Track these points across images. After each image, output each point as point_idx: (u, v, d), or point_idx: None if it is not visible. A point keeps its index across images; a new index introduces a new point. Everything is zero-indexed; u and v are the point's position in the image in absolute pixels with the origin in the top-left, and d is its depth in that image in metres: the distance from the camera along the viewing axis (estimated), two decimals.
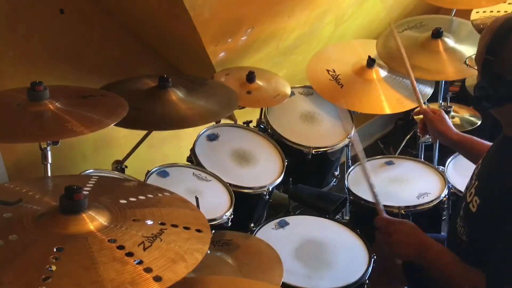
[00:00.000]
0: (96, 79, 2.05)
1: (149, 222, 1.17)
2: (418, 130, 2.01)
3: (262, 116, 2.46)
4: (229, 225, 1.92)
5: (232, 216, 1.93)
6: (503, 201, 1.32)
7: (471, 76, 2.49)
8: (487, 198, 1.38)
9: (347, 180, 2.25)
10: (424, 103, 2.49)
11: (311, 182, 2.46)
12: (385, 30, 2.58)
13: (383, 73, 2.45)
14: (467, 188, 1.52)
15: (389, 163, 2.35)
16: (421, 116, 2.01)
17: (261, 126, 2.44)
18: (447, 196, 2.13)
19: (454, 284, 1.43)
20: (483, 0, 2.39)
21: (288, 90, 2.38)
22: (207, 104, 1.98)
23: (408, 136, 2.96)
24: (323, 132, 2.44)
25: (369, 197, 2.12)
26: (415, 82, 2.12)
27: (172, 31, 2.17)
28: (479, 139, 1.78)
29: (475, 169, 1.54)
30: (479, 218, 1.39)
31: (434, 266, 1.47)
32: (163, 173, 2.00)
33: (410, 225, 1.58)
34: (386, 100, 2.37)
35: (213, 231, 1.85)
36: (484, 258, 1.37)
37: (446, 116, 1.89)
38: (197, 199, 1.70)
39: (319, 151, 2.35)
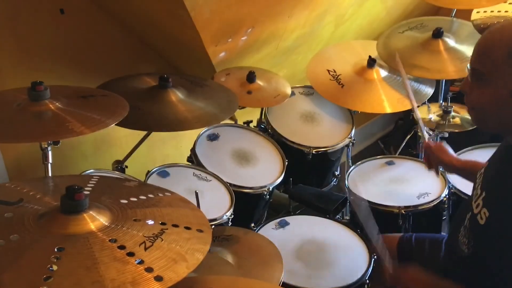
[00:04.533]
0: (96, 79, 2.05)
1: (150, 222, 1.18)
2: (424, 161, 2.01)
3: (263, 116, 2.46)
4: (230, 225, 1.92)
5: (233, 216, 1.93)
6: None
7: None
8: (497, 210, 1.36)
9: (348, 180, 2.25)
10: (425, 103, 2.50)
11: (311, 182, 2.46)
12: (387, 31, 2.58)
13: (383, 73, 2.45)
14: (471, 198, 1.49)
15: (390, 163, 2.35)
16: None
17: (262, 126, 2.44)
18: (447, 196, 2.13)
19: None
20: (484, 0, 2.39)
21: (289, 90, 2.38)
22: (206, 106, 1.98)
23: (409, 136, 2.95)
24: (323, 132, 2.44)
25: (369, 197, 2.12)
26: (421, 120, 2.09)
27: (173, 31, 2.17)
28: (481, 162, 1.76)
29: (477, 179, 1.51)
30: (488, 230, 1.37)
31: None
32: (163, 173, 2.00)
33: (416, 268, 1.57)
34: (386, 100, 2.37)
35: (213, 226, 1.84)
36: (486, 268, 1.37)
37: (447, 146, 1.88)
38: (197, 194, 1.69)
39: (320, 151, 2.35)
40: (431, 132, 2.33)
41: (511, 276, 1.35)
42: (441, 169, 2.25)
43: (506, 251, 1.34)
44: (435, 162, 1.89)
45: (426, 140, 1.97)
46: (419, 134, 2.54)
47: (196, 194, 1.69)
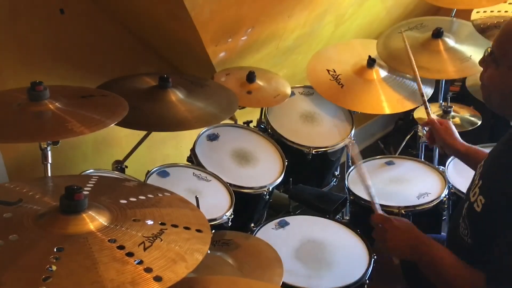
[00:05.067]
0: (96, 79, 2.05)
1: (150, 222, 1.17)
2: (425, 139, 2.01)
3: (263, 116, 2.46)
4: (229, 225, 1.92)
5: (232, 216, 1.93)
6: (509, 199, 1.33)
7: (472, 75, 2.50)
8: (493, 196, 1.38)
9: (347, 180, 2.25)
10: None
11: (311, 182, 2.46)
12: (387, 30, 2.58)
13: (383, 73, 2.45)
14: (469, 189, 1.52)
15: (390, 163, 2.35)
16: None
17: (261, 126, 2.44)
18: (447, 196, 2.13)
19: (452, 282, 1.42)
20: (484, 0, 2.39)
21: (288, 90, 2.38)
22: (206, 106, 1.98)
23: (409, 136, 2.96)
24: (323, 132, 2.44)
25: (369, 197, 2.12)
26: (423, 90, 2.09)
27: (173, 31, 2.17)
28: (484, 150, 1.77)
29: (476, 171, 1.53)
30: (484, 217, 1.39)
31: (430, 262, 1.45)
32: (163, 173, 2.00)
33: (406, 221, 1.56)
34: (386, 100, 2.37)
35: (213, 231, 1.85)
36: (487, 258, 1.37)
37: (453, 127, 1.89)
38: (197, 199, 1.70)
39: (319, 151, 2.35)
40: (430, 109, 2.31)
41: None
42: (441, 168, 2.26)
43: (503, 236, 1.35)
44: (438, 141, 1.90)
45: (431, 115, 1.97)
46: (419, 134, 2.54)
47: (197, 199, 1.69)
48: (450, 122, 1.92)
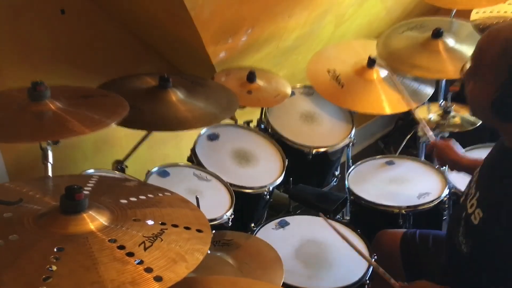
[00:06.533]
0: (97, 79, 2.05)
1: (150, 222, 1.17)
2: (425, 139, 2.01)
3: (263, 116, 2.46)
4: (230, 225, 1.93)
5: (233, 216, 1.93)
6: (509, 213, 1.32)
7: None
8: (491, 211, 1.38)
9: (348, 180, 2.25)
10: (424, 103, 2.50)
11: (311, 182, 2.46)
12: (387, 30, 2.58)
13: (383, 73, 2.45)
14: (465, 197, 1.51)
15: (390, 163, 2.35)
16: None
17: (262, 126, 2.44)
18: (448, 196, 2.13)
19: None
20: (483, 0, 2.39)
21: (289, 90, 2.38)
22: (206, 106, 1.98)
23: (409, 136, 2.95)
24: (323, 132, 2.44)
25: (369, 197, 2.12)
26: (425, 123, 2.09)
27: (173, 31, 2.17)
28: None
29: (472, 177, 1.53)
30: (483, 230, 1.39)
31: None
32: (163, 173, 2.00)
33: (425, 282, 1.56)
34: (386, 100, 2.37)
35: (214, 231, 1.85)
36: (485, 267, 1.37)
37: (456, 144, 1.89)
38: (197, 199, 1.70)
39: (320, 151, 2.35)
40: (431, 132, 2.32)
41: (507, 275, 1.36)
42: (442, 168, 2.26)
43: (500, 251, 1.35)
44: (444, 160, 1.90)
45: (433, 139, 1.97)
46: (419, 134, 2.54)
47: (197, 199, 1.69)
48: (453, 140, 1.91)
